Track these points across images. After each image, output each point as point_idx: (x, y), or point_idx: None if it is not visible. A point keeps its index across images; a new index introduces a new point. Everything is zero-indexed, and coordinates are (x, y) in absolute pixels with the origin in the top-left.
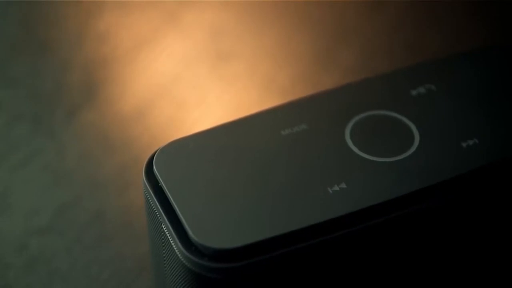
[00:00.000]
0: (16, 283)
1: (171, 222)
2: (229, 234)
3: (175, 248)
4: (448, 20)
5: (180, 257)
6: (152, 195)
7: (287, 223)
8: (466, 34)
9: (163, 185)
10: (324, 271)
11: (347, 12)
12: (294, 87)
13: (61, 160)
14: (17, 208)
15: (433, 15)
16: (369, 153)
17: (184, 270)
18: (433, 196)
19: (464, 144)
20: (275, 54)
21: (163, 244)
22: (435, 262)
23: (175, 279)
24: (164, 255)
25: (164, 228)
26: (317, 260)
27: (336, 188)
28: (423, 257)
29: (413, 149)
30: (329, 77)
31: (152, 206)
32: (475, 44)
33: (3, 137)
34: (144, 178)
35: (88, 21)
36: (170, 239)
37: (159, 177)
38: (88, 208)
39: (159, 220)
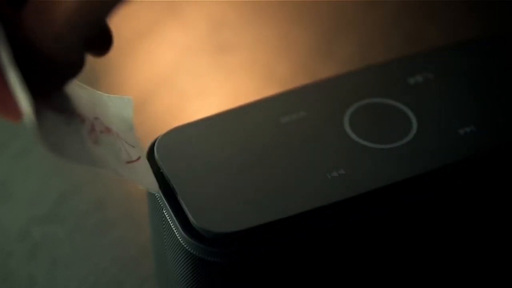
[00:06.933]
0: (18, 270)
1: (172, 207)
2: (229, 219)
3: (176, 233)
4: (445, 15)
5: (181, 241)
6: None
7: (286, 208)
8: (462, 28)
9: (164, 171)
10: (322, 255)
11: (346, 5)
12: (293, 78)
13: None
14: (18, 197)
15: (430, 9)
16: (367, 140)
17: (185, 254)
18: (431, 182)
19: (461, 131)
20: (275, 45)
21: (165, 229)
22: (431, 247)
23: (176, 263)
24: (165, 239)
25: (165, 213)
26: (315, 244)
27: (335, 174)
28: (420, 243)
29: (411, 136)
30: (328, 68)
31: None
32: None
33: (4, 126)
34: None
35: None
36: (171, 224)
37: (160, 164)
38: (89, 196)
39: (160, 205)
